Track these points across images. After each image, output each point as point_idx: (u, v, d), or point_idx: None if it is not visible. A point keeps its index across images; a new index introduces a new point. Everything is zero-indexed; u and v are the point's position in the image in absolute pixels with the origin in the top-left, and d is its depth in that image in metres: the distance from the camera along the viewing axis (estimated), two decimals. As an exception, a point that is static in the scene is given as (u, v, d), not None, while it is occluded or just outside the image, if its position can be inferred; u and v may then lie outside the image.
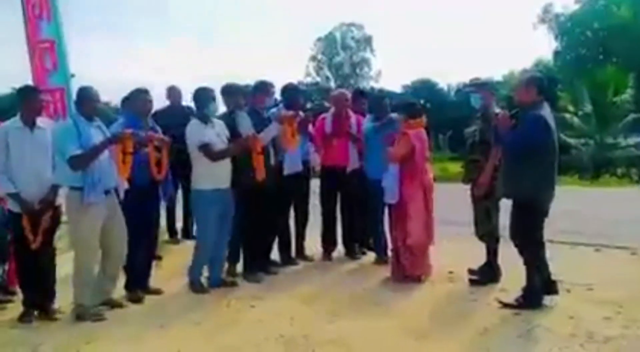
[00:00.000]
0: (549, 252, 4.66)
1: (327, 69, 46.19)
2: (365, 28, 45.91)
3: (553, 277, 4.62)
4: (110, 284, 4.78)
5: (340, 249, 6.50)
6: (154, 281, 5.26)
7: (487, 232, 5.21)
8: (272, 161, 5.55)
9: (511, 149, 4.55)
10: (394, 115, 5.88)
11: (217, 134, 5.15)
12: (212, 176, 5.08)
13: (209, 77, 52.73)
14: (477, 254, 5.35)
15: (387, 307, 4.73)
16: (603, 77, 24.02)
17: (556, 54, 41.26)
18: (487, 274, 5.26)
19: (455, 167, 17.90)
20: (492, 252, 5.26)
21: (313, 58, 46.43)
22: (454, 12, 68.49)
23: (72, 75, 7.91)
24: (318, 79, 45.20)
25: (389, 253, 5.80)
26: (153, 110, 5.38)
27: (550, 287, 4.60)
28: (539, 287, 4.55)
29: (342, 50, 46.05)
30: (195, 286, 5.21)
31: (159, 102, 6.64)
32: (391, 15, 68.27)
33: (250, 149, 5.09)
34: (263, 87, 5.74)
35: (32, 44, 7.38)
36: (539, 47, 63.03)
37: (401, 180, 5.38)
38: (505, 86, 27.22)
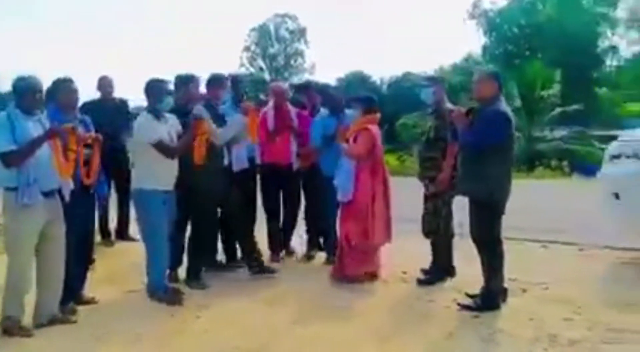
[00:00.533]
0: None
1: (261, 60, 45.60)
2: (299, 19, 45.67)
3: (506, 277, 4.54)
4: (52, 299, 4.26)
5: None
6: (86, 288, 4.79)
7: (432, 229, 5.10)
8: (227, 160, 5.22)
9: (471, 147, 4.40)
10: (348, 111, 5.63)
11: (168, 132, 4.75)
12: (157, 176, 4.68)
13: (136, 70, 50.95)
14: (428, 253, 5.25)
15: (346, 310, 4.50)
16: (531, 72, 24.82)
17: (485, 49, 42.48)
18: (437, 273, 5.15)
19: (391, 160, 18.00)
20: (439, 251, 5.15)
21: (247, 49, 45.72)
22: (387, 5, 69.20)
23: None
24: (252, 70, 44.51)
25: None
26: (81, 103, 4.90)
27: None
28: (498, 289, 4.45)
29: (276, 42, 45.59)
30: (160, 296, 4.74)
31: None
32: (325, 7, 68.20)
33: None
34: (217, 80, 5.37)
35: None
36: (469, 42, 64.65)
37: (361, 177, 5.17)
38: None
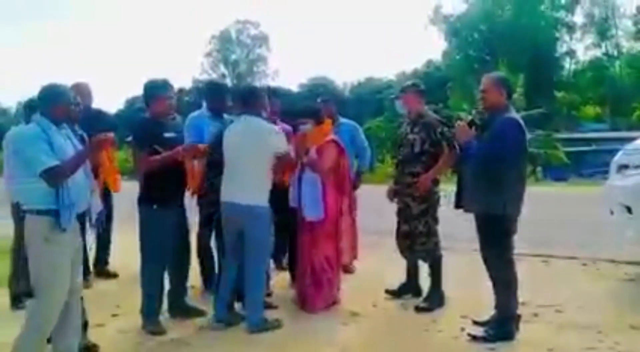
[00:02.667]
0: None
1: (224, 66, 44.92)
2: (261, 26, 45.22)
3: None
4: (74, 337, 3.53)
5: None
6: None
7: (429, 249, 4.74)
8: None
9: (485, 159, 3.97)
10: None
11: None
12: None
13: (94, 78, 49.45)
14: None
15: (341, 346, 4.00)
16: (495, 77, 24.99)
17: (445, 54, 42.86)
18: (436, 299, 4.74)
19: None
20: (437, 273, 4.78)
21: (208, 55, 45.00)
22: (350, 11, 69.42)
23: None
24: (214, 75, 43.77)
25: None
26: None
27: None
28: (512, 316, 4.04)
29: (238, 48, 44.99)
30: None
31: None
32: (287, 14, 67.91)
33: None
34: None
35: None
36: (431, 48, 65.32)
37: (329, 192, 4.73)
38: (398, 86, 27.83)
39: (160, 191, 4.24)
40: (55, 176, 3.26)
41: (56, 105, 3.46)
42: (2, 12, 65.54)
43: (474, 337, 4.00)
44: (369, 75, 49.49)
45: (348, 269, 5.50)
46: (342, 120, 6.01)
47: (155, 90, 4.34)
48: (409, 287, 5.02)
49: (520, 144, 3.97)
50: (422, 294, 4.91)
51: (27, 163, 3.31)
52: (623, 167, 5.12)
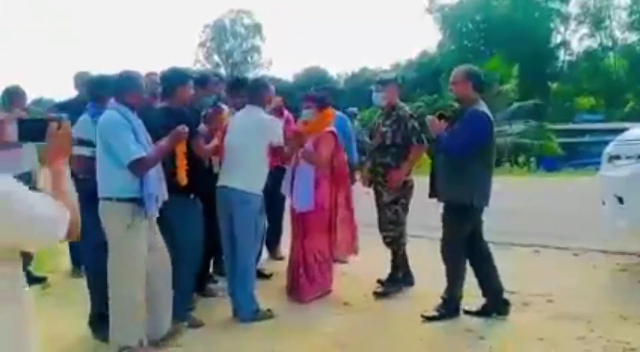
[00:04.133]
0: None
1: (217, 56, 44.70)
2: (255, 15, 44.96)
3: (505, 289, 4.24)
4: (163, 318, 3.76)
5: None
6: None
7: (395, 238, 4.83)
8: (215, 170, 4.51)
9: (454, 150, 4.10)
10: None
11: None
12: None
13: (90, 67, 49.05)
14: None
15: (334, 335, 3.99)
16: (489, 68, 24.98)
17: (440, 45, 42.75)
18: (395, 284, 4.88)
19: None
20: (400, 260, 4.90)
21: (202, 45, 44.77)
22: (344, 1, 69.06)
23: None
24: (208, 66, 43.55)
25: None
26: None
27: (502, 305, 4.20)
28: (458, 295, 4.22)
29: (232, 37, 44.74)
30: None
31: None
32: (280, 3, 67.50)
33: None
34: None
35: None
36: (426, 38, 65.08)
37: (322, 184, 4.71)
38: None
39: (194, 178, 3.99)
40: (142, 167, 3.41)
41: (132, 92, 3.54)
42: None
43: (428, 318, 4.16)
44: (363, 65, 49.32)
45: (341, 260, 5.50)
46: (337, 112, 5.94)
47: (183, 79, 4.10)
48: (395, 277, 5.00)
49: (488, 136, 4.08)
50: (414, 283, 4.98)
51: (113, 152, 3.42)
52: (615, 157, 5.12)
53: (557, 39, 42.26)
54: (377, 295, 4.78)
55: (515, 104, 25.13)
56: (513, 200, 8.61)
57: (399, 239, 4.84)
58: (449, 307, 4.17)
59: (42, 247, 1.71)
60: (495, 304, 4.19)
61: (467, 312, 4.22)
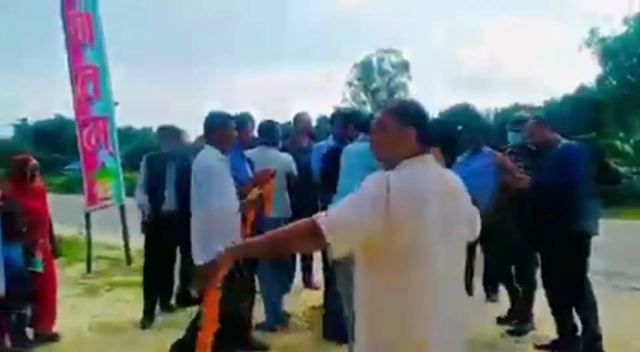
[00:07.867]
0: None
1: (364, 94, 45.87)
2: (403, 54, 45.65)
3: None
4: None
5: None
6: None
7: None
8: None
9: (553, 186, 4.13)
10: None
11: None
12: None
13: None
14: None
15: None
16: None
17: (599, 79, 40.17)
18: None
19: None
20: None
21: (349, 84, 46.24)
22: (494, 36, 67.75)
23: (116, 104, 7.55)
24: (354, 104, 44.86)
25: None
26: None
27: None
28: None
29: (379, 76, 45.73)
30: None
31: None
32: (429, 39, 67.84)
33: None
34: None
35: (74, 70, 7.05)
36: (584, 73, 61.54)
37: None
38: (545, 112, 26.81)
39: None
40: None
41: (225, 134, 3.65)
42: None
43: None
44: (516, 101, 47.66)
45: None
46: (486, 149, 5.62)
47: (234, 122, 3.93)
48: None
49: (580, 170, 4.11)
50: None
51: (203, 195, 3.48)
52: None
53: None
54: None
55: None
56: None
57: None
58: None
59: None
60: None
61: None
